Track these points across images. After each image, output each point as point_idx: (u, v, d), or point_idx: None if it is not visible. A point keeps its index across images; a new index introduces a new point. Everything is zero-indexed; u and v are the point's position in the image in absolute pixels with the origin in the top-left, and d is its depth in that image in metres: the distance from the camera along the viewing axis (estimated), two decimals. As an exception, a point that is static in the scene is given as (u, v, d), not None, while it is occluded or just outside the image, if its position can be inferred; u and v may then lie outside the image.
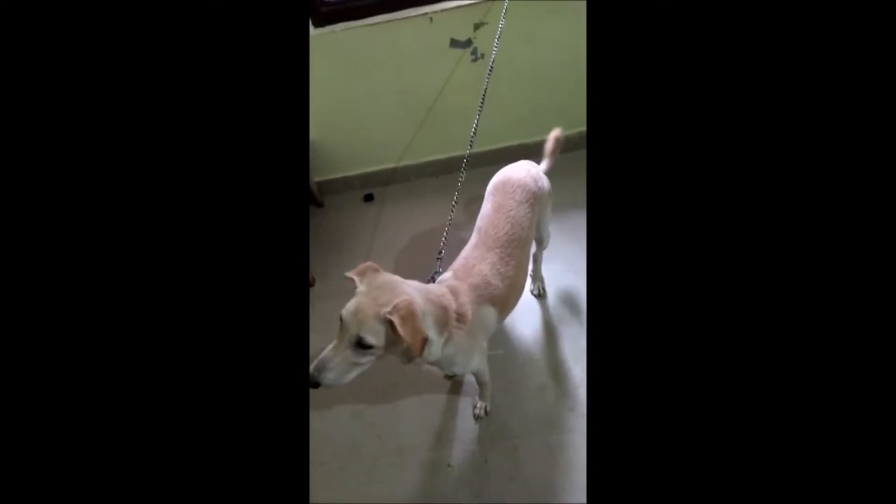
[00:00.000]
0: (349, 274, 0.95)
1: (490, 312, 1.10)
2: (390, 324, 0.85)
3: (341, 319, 0.88)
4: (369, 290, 0.90)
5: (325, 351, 0.88)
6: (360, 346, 0.86)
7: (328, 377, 0.88)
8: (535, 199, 1.23)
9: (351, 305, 0.88)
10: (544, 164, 1.40)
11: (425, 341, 0.88)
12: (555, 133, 1.40)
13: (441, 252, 1.19)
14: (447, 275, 1.11)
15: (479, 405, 1.39)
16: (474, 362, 1.18)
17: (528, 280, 1.63)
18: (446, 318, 0.98)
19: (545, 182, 1.30)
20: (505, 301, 1.14)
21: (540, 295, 1.65)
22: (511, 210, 1.18)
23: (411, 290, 0.93)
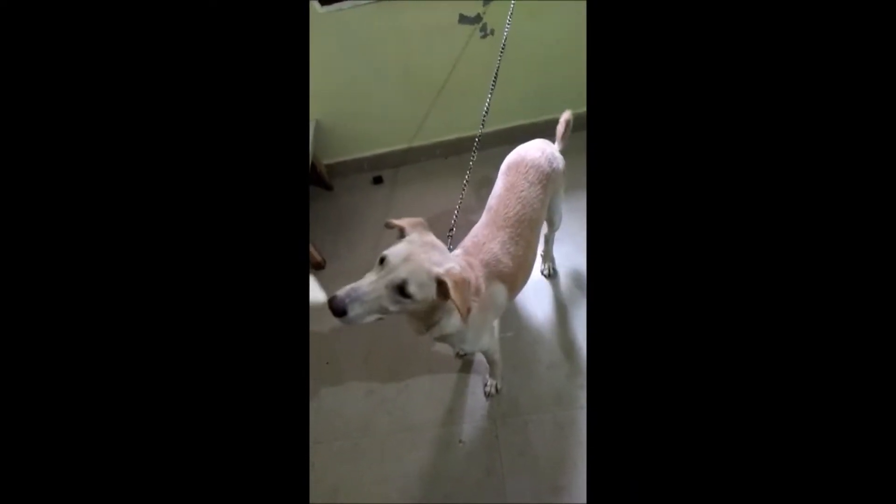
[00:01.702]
0: (396, 222, 0.92)
1: (500, 289, 1.10)
2: (439, 285, 0.82)
3: (384, 259, 0.84)
4: (421, 244, 0.87)
5: (362, 282, 0.82)
6: (401, 292, 0.82)
7: (355, 310, 0.81)
8: (547, 181, 1.21)
9: (401, 249, 0.84)
10: (557, 146, 1.37)
11: (469, 311, 0.86)
12: (565, 116, 1.38)
13: (452, 229, 1.19)
14: (457, 251, 1.11)
15: (489, 383, 1.40)
16: (484, 341, 1.18)
17: (539, 260, 1.63)
18: (469, 291, 0.96)
19: (560, 162, 1.29)
20: (514, 280, 1.14)
21: (550, 275, 1.65)
22: (523, 191, 1.17)
23: (455, 259, 0.92)
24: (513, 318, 1.56)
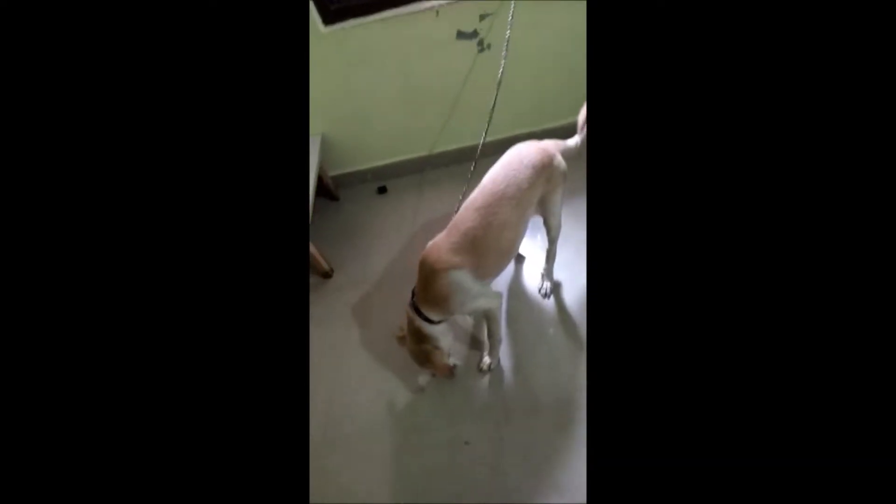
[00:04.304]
0: None
1: (461, 275, 1.22)
2: None
3: None
4: None
5: None
6: None
7: None
8: (542, 168, 1.28)
9: None
10: (577, 138, 1.42)
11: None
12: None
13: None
14: (441, 234, 1.27)
15: (485, 362, 1.49)
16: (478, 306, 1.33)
17: (539, 279, 1.67)
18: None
19: (560, 161, 1.34)
20: (484, 251, 1.22)
21: (547, 296, 1.64)
22: (514, 169, 1.25)
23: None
24: (514, 322, 1.60)
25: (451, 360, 1.45)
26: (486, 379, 1.49)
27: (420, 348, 1.31)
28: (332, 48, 1.74)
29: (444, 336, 1.34)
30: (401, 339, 1.41)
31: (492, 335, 1.45)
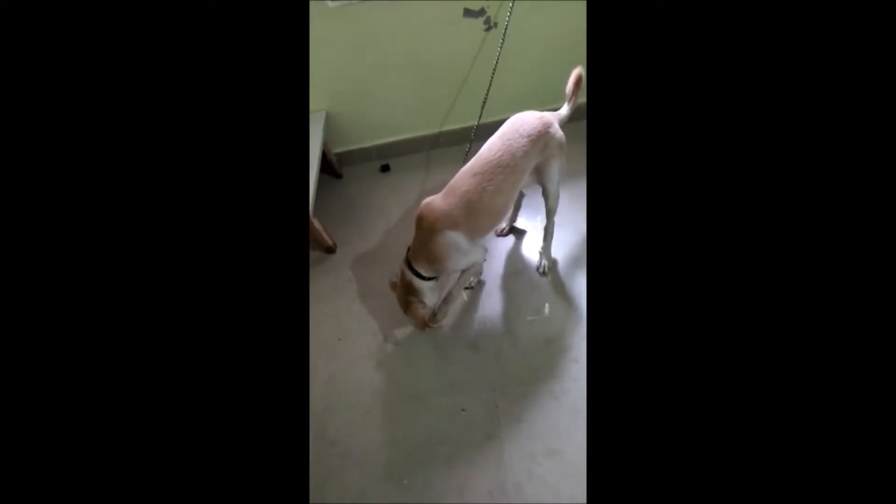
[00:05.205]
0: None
1: (454, 237, 1.33)
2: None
3: None
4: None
5: None
6: None
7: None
8: (538, 137, 1.34)
9: None
10: (565, 109, 1.45)
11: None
12: (576, 71, 1.41)
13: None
14: (438, 196, 1.37)
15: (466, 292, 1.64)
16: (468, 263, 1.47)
17: (536, 257, 1.71)
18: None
19: (557, 130, 1.39)
20: (478, 214, 1.31)
21: (543, 273, 1.68)
22: (510, 139, 1.32)
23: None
24: (513, 298, 1.65)
25: (441, 322, 1.56)
26: (484, 351, 1.55)
27: (406, 298, 1.45)
28: (339, 24, 1.75)
29: (432, 293, 1.46)
30: (394, 285, 1.52)
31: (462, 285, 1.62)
